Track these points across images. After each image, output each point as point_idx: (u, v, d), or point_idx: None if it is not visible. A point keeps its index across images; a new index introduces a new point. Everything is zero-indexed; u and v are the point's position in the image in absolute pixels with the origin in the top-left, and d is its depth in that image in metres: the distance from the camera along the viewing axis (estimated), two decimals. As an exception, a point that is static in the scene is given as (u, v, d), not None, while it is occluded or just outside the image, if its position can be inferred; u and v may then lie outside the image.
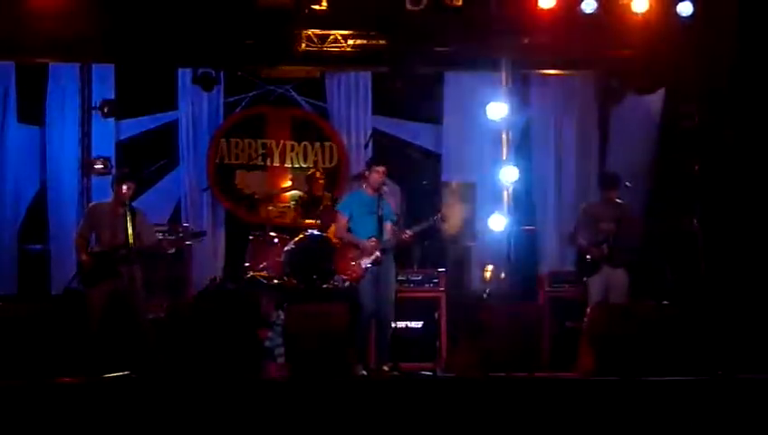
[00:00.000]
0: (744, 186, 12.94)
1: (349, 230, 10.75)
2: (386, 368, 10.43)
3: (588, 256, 10.98)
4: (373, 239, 10.55)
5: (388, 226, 10.69)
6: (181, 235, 12.05)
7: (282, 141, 14.52)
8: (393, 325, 10.58)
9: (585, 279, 10.98)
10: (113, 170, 12.99)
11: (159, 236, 11.41)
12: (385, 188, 10.75)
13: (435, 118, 14.70)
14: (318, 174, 13.57)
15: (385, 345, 10.52)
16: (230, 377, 9.45)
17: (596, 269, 10.86)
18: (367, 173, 10.89)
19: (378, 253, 10.52)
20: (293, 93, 14.62)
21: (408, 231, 10.60)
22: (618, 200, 11.05)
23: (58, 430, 8.42)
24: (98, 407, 8.56)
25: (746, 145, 13.04)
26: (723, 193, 13.04)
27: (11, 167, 13.61)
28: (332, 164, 14.46)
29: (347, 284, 10.87)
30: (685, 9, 12.85)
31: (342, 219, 10.81)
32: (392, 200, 11.23)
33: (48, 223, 13.67)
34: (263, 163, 14.46)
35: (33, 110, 13.74)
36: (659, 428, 8.62)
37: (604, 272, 10.85)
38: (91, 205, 11.42)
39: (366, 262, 10.52)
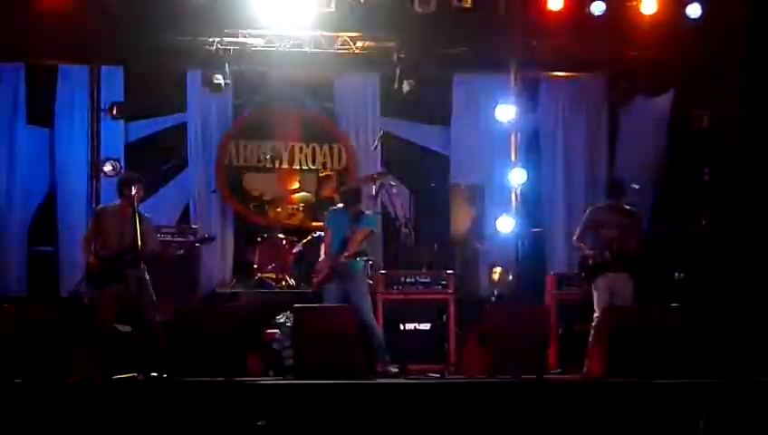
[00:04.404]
0: (754, 188, 12.93)
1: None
2: (378, 368, 10.59)
3: (589, 261, 10.94)
4: (330, 257, 10.75)
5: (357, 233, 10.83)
6: (190, 237, 12.04)
7: (290, 143, 14.47)
8: (378, 330, 10.76)
9: (591, 284, 10.93)
10: (122, 172, 12.99)
11: (168, 238, 11.44)
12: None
13: (443, 120, 14.68)
14: (333, 176, 13.57)
15: (380, 350, 10.64)
16: (236, 380, 9.44)
17: (597, 274, 10.81)
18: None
19: (326, 271, 10.70)
20: (302, 95, 14.60)
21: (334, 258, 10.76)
22: (626, 207, 10.95)
23: (67, 432, 8.45)
24: (106, 409, 8.60)
25: (757, 147, 13.02)
26: (732, 195, 13.03)
27: (20, 168, 13.53)
28: (341, 166, 14.42)
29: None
30: (694, 11, 12.86)
31: (326, 234, 11.02)
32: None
33: (57, 225, 13.61)
34: (271, 165, 14.43)
35: (42, 111, 13.69)
36: (668, 430, 8.63)
37: (607, 277, 10.78)
38: (98, 208, 11.41)
39: (318, 279, 10.81)
